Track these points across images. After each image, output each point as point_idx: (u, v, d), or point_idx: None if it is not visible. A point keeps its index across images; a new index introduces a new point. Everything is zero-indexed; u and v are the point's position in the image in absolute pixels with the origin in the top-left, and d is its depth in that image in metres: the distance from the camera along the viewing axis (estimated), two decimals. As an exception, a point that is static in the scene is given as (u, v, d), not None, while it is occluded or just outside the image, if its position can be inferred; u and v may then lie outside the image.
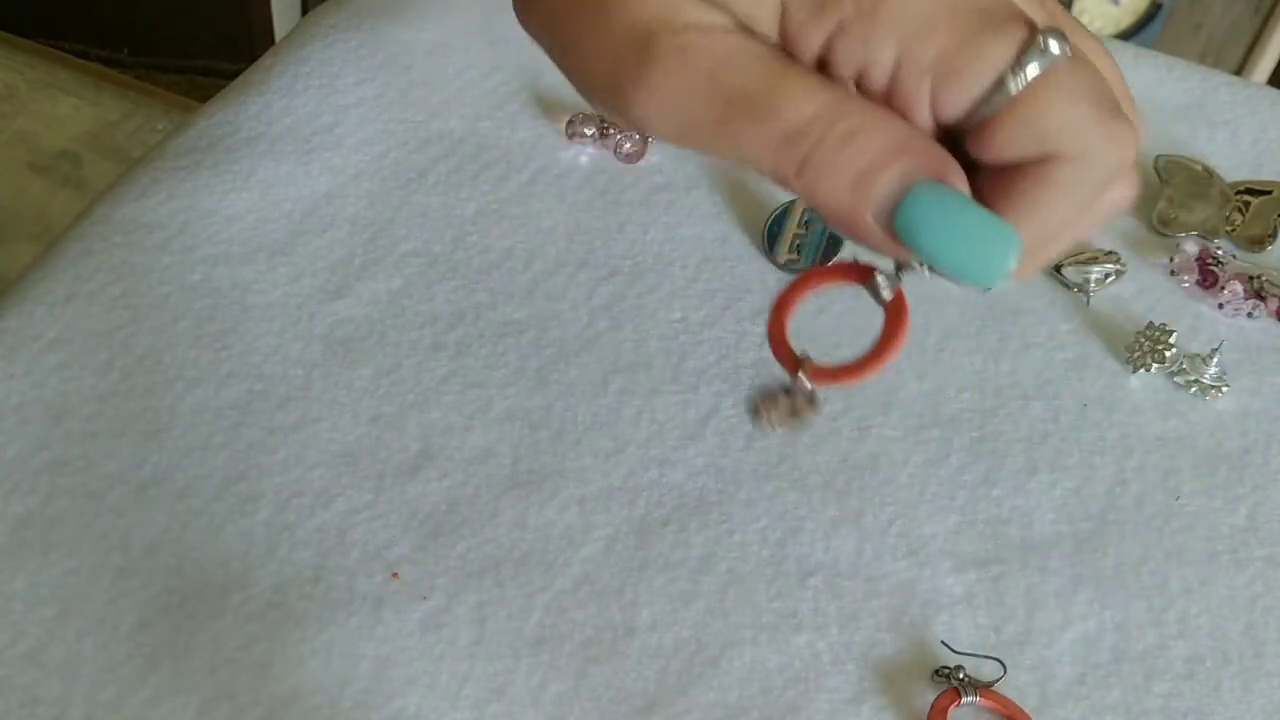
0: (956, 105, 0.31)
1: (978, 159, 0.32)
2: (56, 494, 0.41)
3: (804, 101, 0.30)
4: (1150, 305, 0.51)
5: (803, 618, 0.40)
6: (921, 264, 0.31)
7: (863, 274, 0.31)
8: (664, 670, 0.39)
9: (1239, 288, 0.51)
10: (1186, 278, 0.52)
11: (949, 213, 0.29)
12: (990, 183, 0.31)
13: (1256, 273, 0.51)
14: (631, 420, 0.45)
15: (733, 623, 0.40)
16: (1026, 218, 0.31)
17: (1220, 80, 0.61)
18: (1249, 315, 0.51)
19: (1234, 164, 0.57)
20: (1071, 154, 0.30)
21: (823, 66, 0.32)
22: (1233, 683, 0.40)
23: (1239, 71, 1.28)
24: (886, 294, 0.32)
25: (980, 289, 0.29)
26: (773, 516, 0.42)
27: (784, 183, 0.30)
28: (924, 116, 0.31)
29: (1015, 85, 0.30)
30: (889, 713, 0.39)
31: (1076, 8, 1.24)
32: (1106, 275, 0.51)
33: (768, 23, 0.32)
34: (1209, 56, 1.29)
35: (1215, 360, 0.48)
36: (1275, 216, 0.54)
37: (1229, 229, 0.54)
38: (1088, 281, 0.51)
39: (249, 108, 0.54)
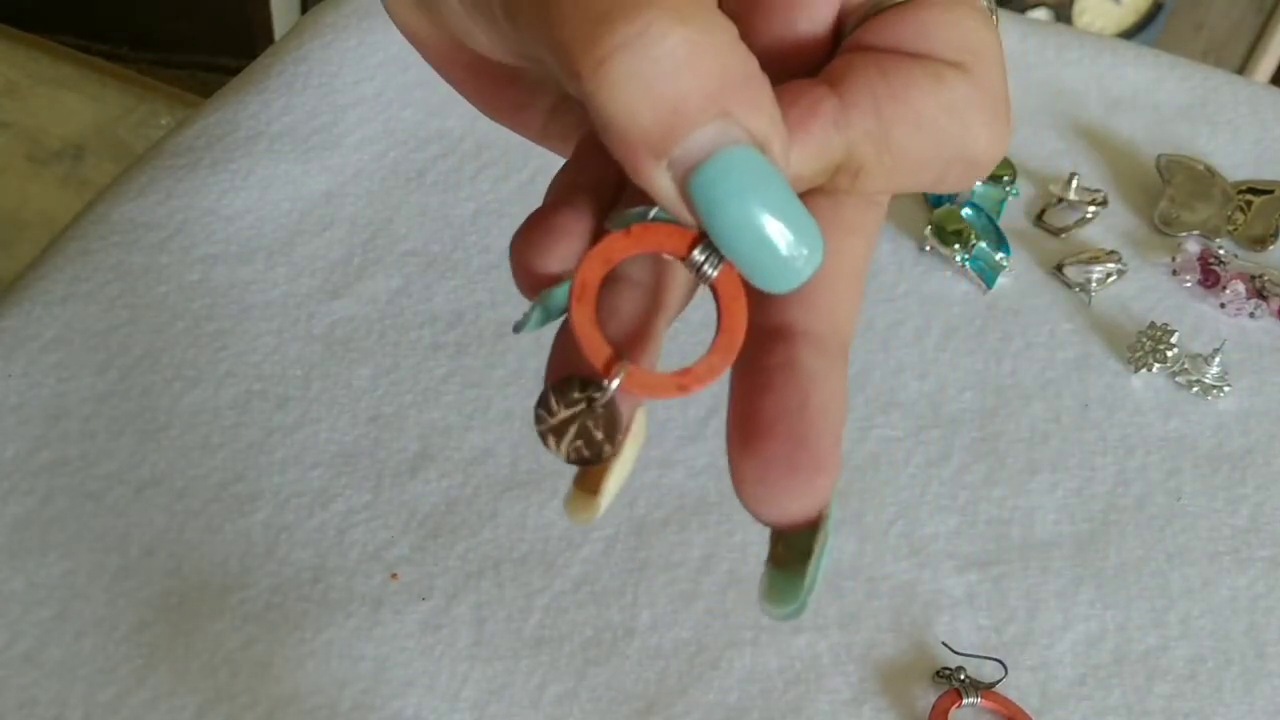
0: None
1: (856, 42, 0.27)
2: (55, 494, 0.41)
3: None
4: (1152, 305, 0.51)
5: (803, 618, 0.40)
6: (704, 240, 0.23)
7: (679, 241, 0.23)
8: (664, 671, 0.39)
9: (1241, 287, 0.51)
10: (1188, 277, 0.52)
11: (762, 192, 0.23)
12: (842, 68, 0.26)
13: (1258, 272, 0.51)
14: (631, 420, 0.45)
15: (733, 623, 0.40)
16: (869, 109, 0.25)
17: (1222, 79, 0.61)
18: (1251, 315, 0.51)
19: (1235, 163, 0.57)
20: (955, 66, 0.26)
21: None
22: (1234, 684, 0.40)
23: (1241, 71, 1.28)
24: (710, 269, 0.24)
25: (764, 287, 0.23)
26: (773, 517, 0.42)
27: (571, 78, 0.22)
28: None
29: None
30: (889, 714, 0.38)
31: (1078, 7, 1.24)
32: (1108, 275, 0.51)
33: None
34: (1210, 55, 1.28)
35: (1217, 360, 0.48)
36: (1277, 216, 0.54)
37: (1231, 228, 0.54)
38: (1089, 281, 0.51)
39: (247, 107, 0.54)
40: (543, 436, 0.25)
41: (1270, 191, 0.55)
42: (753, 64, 0.23)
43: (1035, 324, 0.50)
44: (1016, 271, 0.52)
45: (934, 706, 0.38)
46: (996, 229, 0.52)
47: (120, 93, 1.48)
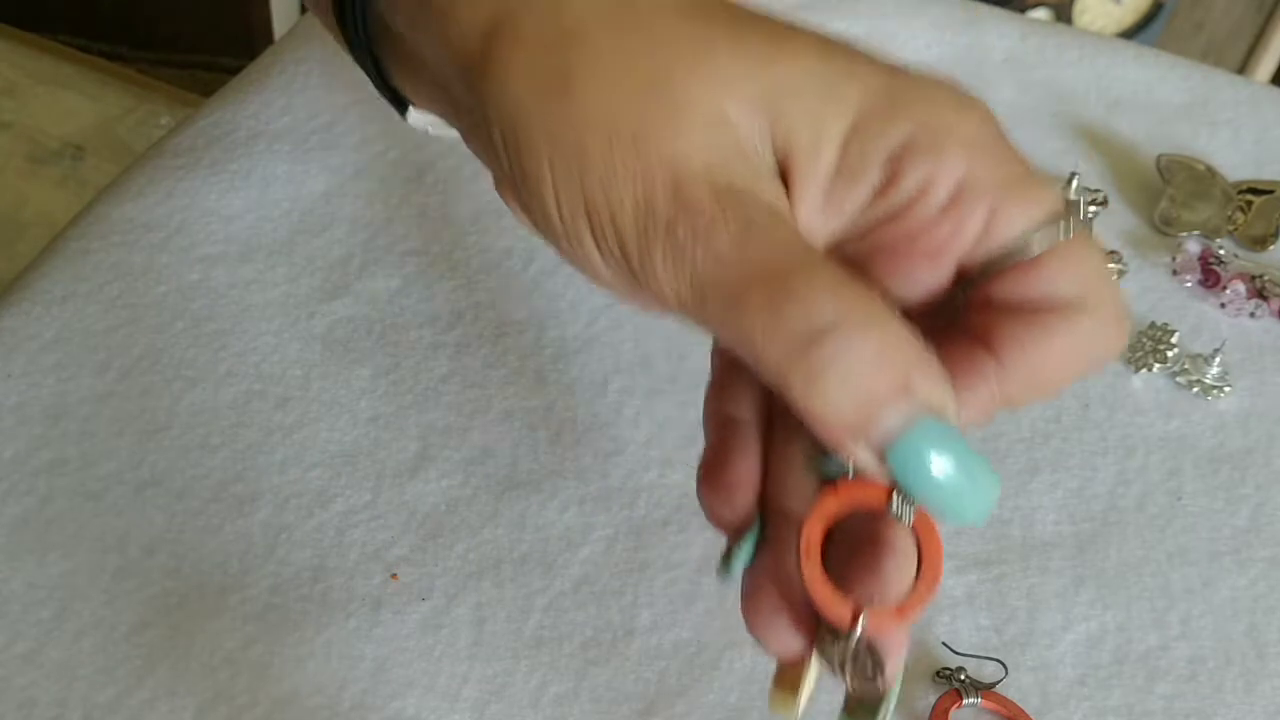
0: (1010, 230, 0.31)
1: (986, 297, 0.31)
2: (54, 494, 0.41)
3: (831, 296, 0.27)
4: (1152, 305, 0.51)
5: (803, 619, 0.40)
6: (897, 491, 0.28)
7: (878, 495, 0.28)
8: (664, 671, 0.39)
9: (1241, 287, 0.51)
10: (1188, 277, 0.52)
11: (946, 453, 0.27)
12: (986, 326, 0.31)
13: (1259, 272, 0.51)
14: (631, 420, 0.45)
15: (733, 624, 0.40)
16: (1022, 362, 0.30)
17: (1222, 79, 0.61)
18: (1251, 315, 0.51)
19: (1236, 163, 0.57)
20: (1081, 305, 0.31)
21: (884, 185, 0.30)
22: (1235, 684, 0.40)
23: (1241, 70, 1.28)
24: (907, 516, 0.29)
25: (955, 524, 0.28)
26: (773, 517, 0.42)
27: (778, 378, 0.27)
28: (967, 241, 0.31)
29: (1059, 231, 0.30)
30: (889, 714, 0.38)
31: (1078, 7, 1.24)
32: (1108, 275, 0.51)
33: (835, 137, 0.30)
34: (1211, 55, 1.28)
35: (1217, 360, 0.48)
36: (1277, 216, 0.54)
37: (1231, 228, 0.54)
38: (1089, 281, 0.51)
39: (247, 107, 0.54)
40: (839, 669, 0.29)
41: (1270, 191, 0.55)
42: (920, 344, 0.27)
43: (1035, 324, 0.50)
44: (1017, 271, 0.51)
45: (934, 707, 0.38)
46: (997, 229, 0.52)
47: (120, 92, 1.48)
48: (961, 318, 0.31)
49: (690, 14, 0.30)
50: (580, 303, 0.48)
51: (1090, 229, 0.32)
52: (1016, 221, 0.30)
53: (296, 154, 0.52)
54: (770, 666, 0.39)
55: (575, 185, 0.30)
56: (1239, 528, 0.44)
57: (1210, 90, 0.60)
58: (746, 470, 0.31)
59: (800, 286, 0.27)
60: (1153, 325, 0.49)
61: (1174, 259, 0.52)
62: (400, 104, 0.37)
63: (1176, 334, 0.49)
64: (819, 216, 0.31)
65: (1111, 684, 0.40)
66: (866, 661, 0.29)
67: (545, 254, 0.50)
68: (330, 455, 0.43)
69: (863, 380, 0.27)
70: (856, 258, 0.32)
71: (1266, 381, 0.49)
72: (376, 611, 0.39)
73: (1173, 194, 0.55)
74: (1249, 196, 0.55)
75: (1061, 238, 0.30)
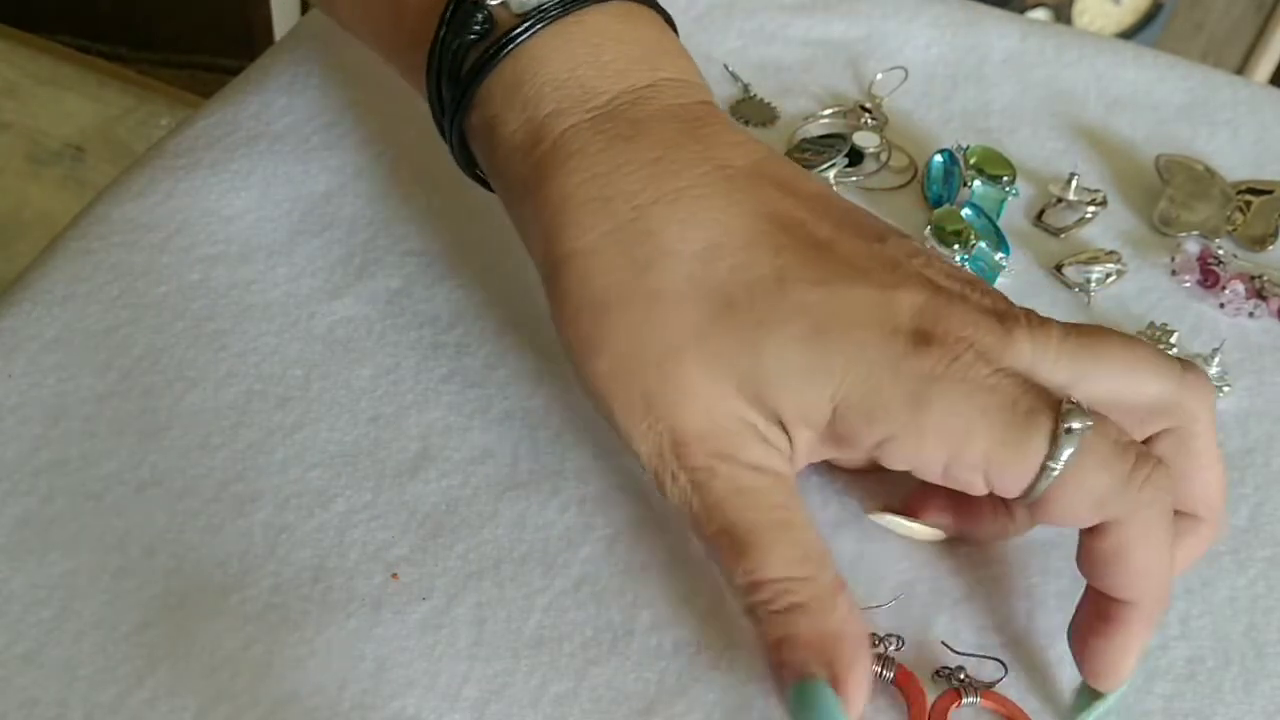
0: (1012, 490, 0.35)
1: (1037, 523, 0.38)
2: (55, 494, 0.41)
3: (782, 560, 0.35)
4: (1151, 305, 0.51)
5: (803, 618, 0.40)
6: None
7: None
8: (664, 671, 0.39)
9: (1240, 287, 0.51)
10: (1188, 277, 0.52)
11: (826, 713, 0.34)
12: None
13: (1258, 272, 0.51)
14: (631, 420, 0.45)
15: (733, 624, 0.40)
16: (1125, 582, 0.36)
17: (1221, 79, 0.61)
18: (1250, 315, 0.51)
19: (1235, 163, 0.57)
20: (1128, 512, 0.35)
21: (872, 462, 0.37)
22: (1234, 684, 0.40)
23: (1240, 71, 1.28)
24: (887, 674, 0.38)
25: None
26: (773, 517, 0.42)
27: (732, 590, 0.37)
28: (975, 492, 0.36)
29: (1056, 468, 0.34)
30: (889, 713, 0.38)
31: (1078, 7, 1.24)
32: (1107, 275, 0.51)
33: (820, 418, 0.36)
34: (1210, 56, 1.29)
35: (1216, 360, 0.48)
36: (1276, 216, 0.54)
37: (1230, 228, 0.54)
38: (1089, 281, 0.51)
39: (248, 107, 0.54)
40: None
41: (1270, 191, 0.55)
42: (850, 620, 0.36)
43: (1035, 324, 0.50)
44: (1016, 271, 0.52)
45: (933, 706, 0.38)
46: (996, 229, 0.52)
47: (120, 93, 1.48)
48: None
49: (687, 295, 0.36)
50: (580, 303, 0.48)
51: (1105, 423, 0.35)
52: (1009, 479, 0.35)
53: (297, 154, 0.52)
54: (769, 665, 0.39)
55: (606, 412, 0.38)
56: (1238, 527, 0.44)
57: (1209, 90, 0.60)
58: None
59: (761, 547, 0.35)
60: (1152, 325, 0.49)
61: (1173, 259, 0.52)
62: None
63: (1176, 334, 0.49)
64: (819, 451, 0.38)
65: (1111, 683, 0.40)
66: None
67: (545, 254, 0.50)
68: (331, 455, 0.43)
69: (782, 626, 0.35)
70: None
71: (1265, 381, 0.49)
72: (377, 611, 0.39)
73: (1172, 194, 0.55)
74: (1248, 197, 0.55)
75: (1071, 449, 0.34)
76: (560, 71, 0.38)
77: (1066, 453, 0.34)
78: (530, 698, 0.38)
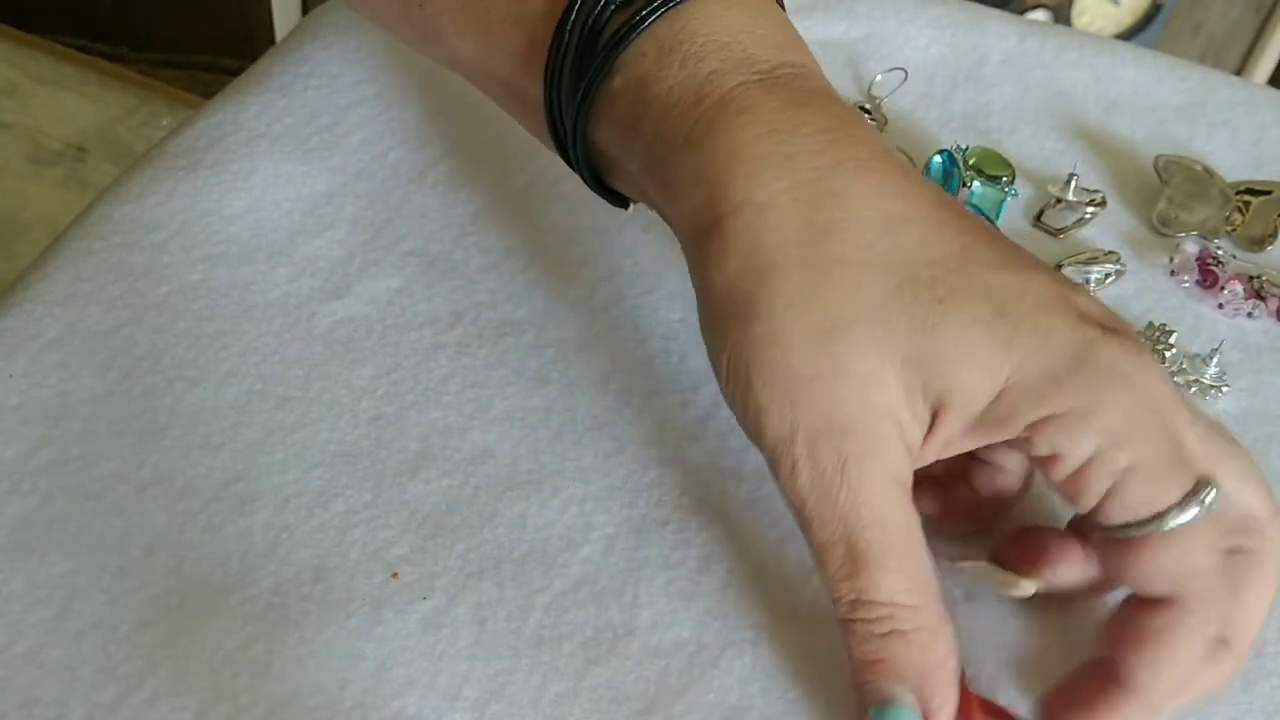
0: (1119, 514, 0.34)
1: (1108, 576, 0.36)
2: (55, 494, 0.41)
3: (895, 585, 0.34)
4: (1150, 305, 0.51)
5: (803, 618, 0.40)
6: None
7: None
8: (664, 671, 0.39)
9: (1239, 288, 0.51)
10: (1186, 278, 0.52)
11: None
12: (1117, 624, 0.36)
13: (1256, 273, 0.51)
14: (631, 420, 0.45)
15: (733, 623, 0.40)
16: (1150, 666, 0.35)
17: (1220, 80, 0.61)
18: (1249, 315, 0.51)
19: (1234, 164, 0.57)
20: (1195, 599, 0.34)
21: (1019, 441, 0.35)
22: (1233, 683, 0.40)
23: (1239, 71, 1.28)
24: None
25: None
26: (773, 516, 0.42)
27: (835, 600, 0.35)
28: (1084, 506, 0.35)
29: (1172, 521, 0.33)
30: (889, 713, 0.38)
31: (1077, 8, 1.24)
32: (1106, 275, 0.51)
33: (983, 398, 0.34)
34: (1209, 56, 1.29)
35: (1215, 360, 0.48)
36: (1275, 216, 0.54)
37: (1229, 229, 0.54)
38: (1088, 281, 0.51)
39: (248, 107, 0.54)
40: None
41: (1268, 192, 0.55)
42: (947, 651, 0.35)
43: (1034, 324, 0.50)
44: (1015, 272, 0.52)
45: (933, 706, 0.38)
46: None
47: (121, 94, 1.48)
48: (1104, 631, 0.36)
49: (869, 264, 0.34)
50: (580, 303, 0.48)
51: (1218, 513, 0.34)
52: (1131, 506, 0.34)
53: (298, 155, 0.52)
54: (769, 664, 0.39)
55: (740, 392, 0.35)
56: (1237, 527, 0.44)
57: (1208, 91, 0.60)
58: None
59: (878, 565, 0.34)
60: (1151, 325, 0.49)
61: (1172, 259, 0.52)
62: (614, 196, 0.43)
63: (1175, 334, 0.49)
64: (959, 440, 0.35)
65: (1110, 683, 0.40)
66: None
67: (545, 254, 0.50)
68: (331, 455, 0.43)
69: (881, 649, 0.34)
70: (981, 467, 0.38)
71: (1264, 382, 0.49)
72: (377, 611, 0.39)
73: (1171, 195, 0.55)
74: (1247, 197, 0.55)
75: (1192, 516, 0.33)
76: (721, 34, 0.36)
77: (1193, 512, 0.33)
78: (530, 698, 0.38)
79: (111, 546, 0.40)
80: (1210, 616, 0.34)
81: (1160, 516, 0.33)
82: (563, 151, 0.41)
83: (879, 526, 0.34)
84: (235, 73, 0.57)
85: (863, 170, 0.35)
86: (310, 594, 0.39)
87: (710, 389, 0.46)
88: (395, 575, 0.40)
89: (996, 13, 0.63)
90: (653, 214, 0.41)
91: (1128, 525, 0.34)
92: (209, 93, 0.57)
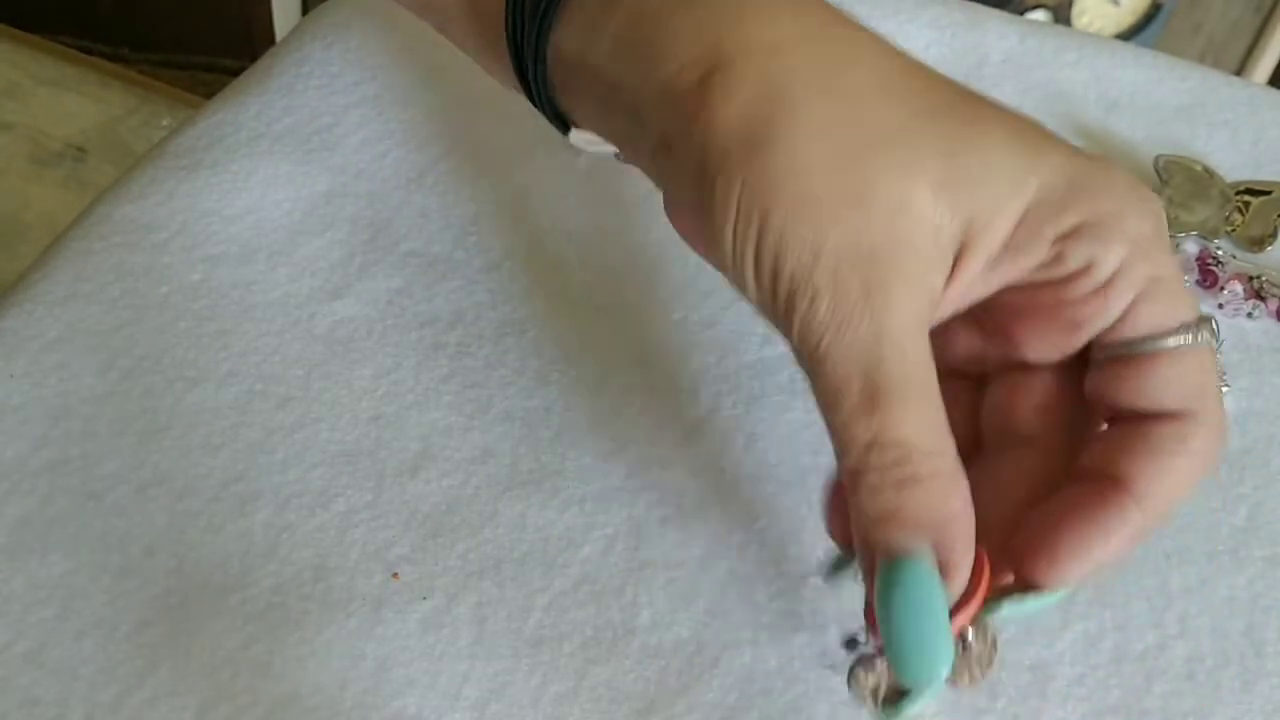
0: (1145, 325, 0.34)
1: (1105, 400, 0.35)
2: (56, 494, 0.41)
3: (917, 424, 0.32)
4: (1150, 305, 0.51)
5: (803, 618, 0.40)
6: (865, 638, 0.34)
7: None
8: (664, 670, 0.39)
9: (1239, 288, 0.51)
10: (1186, 278, 0.52)
11: (916, 597, 0.31)
12: (1115, 462, 0.34)
13: (1256, 273, 0.51)
14: (631, 420, 0.45)
15: (733, 623, 0.40)
16: (1154, 475, 0.34)
17: (1220, 80, 0.61)
18: (1249, 315, 0.51)
19: (1234, 164, 0.57)
20: (1206, 413, 0.34)
21: (1049, 261, 0.34)
22: (1233, 683, 0.40)
23: (1239, 71, 1.28)
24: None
25: (904, 685, 0.32)
26: (773, 516, 0.42)
27: (842, 453, 0.33)
28: (1107, 322, 0.34)
29: (1194, 334, 0.34)
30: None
31: (1077, 8, 1.24)
32: (1107, 275, 0.51)
33: (1011, 216, 0.33)
34: (1209, 56, 1.29)
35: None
36: (1275, 217, 0.54)
37: (1229, 229, 0.54)
38: (1088, 281, 0.51)
39: (249, 108, 0.54)
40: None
41: (1268, 192, 0.55)
42: (964, 499, 0.33)
43: (1034, 324, 0.50)
44: (1015, 272, 0.52)
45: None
46: (995, 230, 0.52)
47: (122, 94, 1.48)
48: (1088, 452, 0.35)
49: (891, 92, 0.33)
50: (580, 303, 0.48)
51: (1217, 347, 0.35)
52: (1155, 317, 0.34)
53: (298, 155, 0.52)
54: (769, 664, 0.39)
55: (753, 230, 0.32)
56: (1237, 527, 0.44)
57: (1208, 91, 0.60)
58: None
59: (895, 406, 0.32)
60: (1151, 326, 0.49)
61: (1172, 259, 0.52)
62: (560, 121, 0.40)
63: (1175, 334, 0.49)
64: (979, 280, 0.34)
65: (1110, 683, 0.40)
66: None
67: (545, 254, 0.50)
68: (331, 455, 0.43)
69: (895, 498, 0.32)
70: (1000, 312, 0.36)
71: (1264, 382, 0.49)
72: (378, 611, 0.39)
73: (1170, 195, 0.55)
74: (1247, 197, 0.55)
75: (1188, 343, 0.33)
76: None
77: (1205, 333, 0.34)
78: (530, 698, 0.38)
79: (112, 546, 0.40)
80: (1216, 431, 0.34)
81: (1185, 328, 0.34)
82: (517, 62, 0.38)
83: (900, 360, 0.32)
84: (235, 73, 0.57)
85: (870, 34, 0.35)
86: (310, 594, 0.39)
87: (710, 389, 0.46)
88: (395, 575, 0.40)
89: (996, 13, 0.63)
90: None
91: (1151, 337, 0.34)
92: (209, 93, 0.57)
